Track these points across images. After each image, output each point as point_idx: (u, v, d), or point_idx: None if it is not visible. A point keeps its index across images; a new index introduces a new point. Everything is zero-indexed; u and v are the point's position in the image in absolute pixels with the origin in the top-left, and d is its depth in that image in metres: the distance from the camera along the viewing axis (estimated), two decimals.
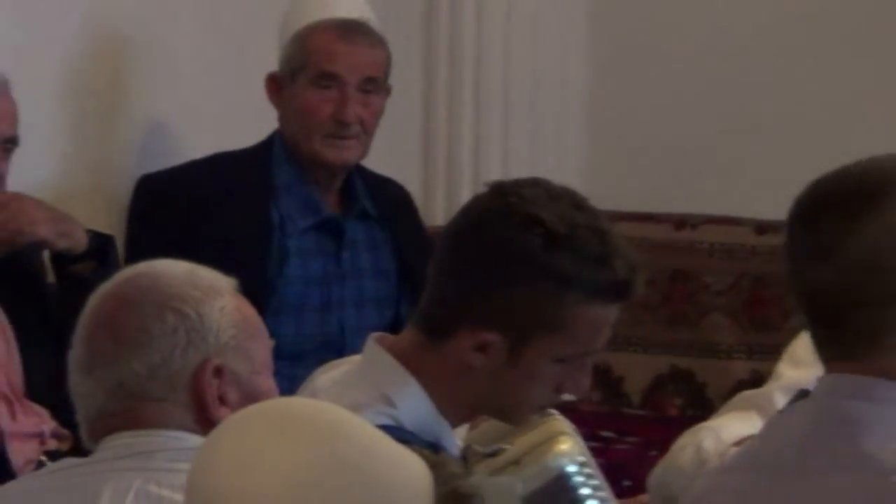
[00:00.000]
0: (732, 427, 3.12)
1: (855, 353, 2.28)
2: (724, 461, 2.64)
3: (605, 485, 2.83)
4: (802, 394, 2.57)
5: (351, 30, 3.98)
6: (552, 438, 2.81)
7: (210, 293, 2.37)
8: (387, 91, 4.03)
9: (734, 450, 2.91)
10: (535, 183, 2.74)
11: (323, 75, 3.92)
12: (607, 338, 2.74)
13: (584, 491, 2.81)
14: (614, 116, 5.29)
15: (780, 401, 3.01)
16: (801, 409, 2.41)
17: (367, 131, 3.97)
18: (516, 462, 2.79)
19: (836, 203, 2.32)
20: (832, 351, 2.31)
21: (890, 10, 5.22)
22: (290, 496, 1.81)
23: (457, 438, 2.77)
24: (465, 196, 4.35)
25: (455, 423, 2.74)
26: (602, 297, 2.64)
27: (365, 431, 1.88)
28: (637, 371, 4.92)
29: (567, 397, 3.04)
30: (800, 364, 3.13)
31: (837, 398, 2.30)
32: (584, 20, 5.34)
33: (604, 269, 2.62)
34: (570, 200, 2.71)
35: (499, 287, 2.64)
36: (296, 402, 2.08)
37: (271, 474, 1.81)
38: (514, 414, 2.75)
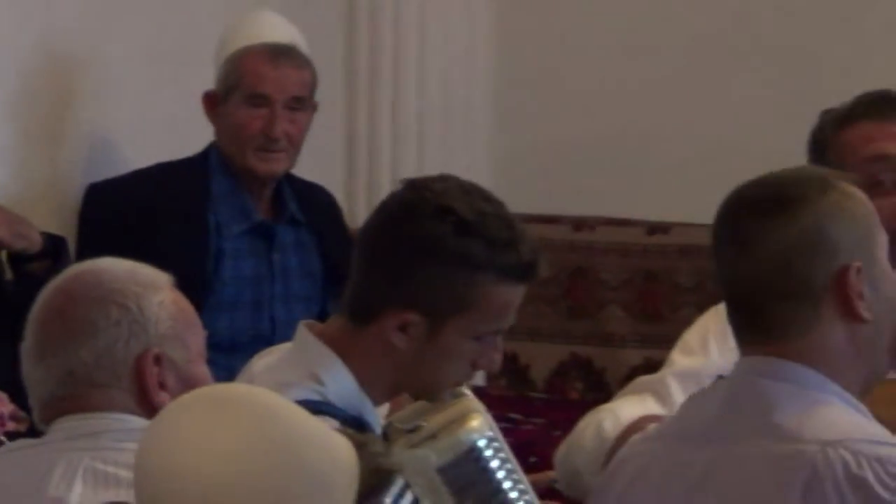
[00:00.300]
0: (629, 409, 3.08)
1: (770, 339, 2.37)
2: (647, 431, 2.67)
3: (513, 458, 2.88)
4: (721, 378, 2.61)
5: (280, 54, 4.01)
6: (465, 416, 2.83)
7: (149, 288, 2.39)
8: (313, 107, 4.06)
9: (635, 412, 3.00)
10: (445, 178, 2.78)
11: (254, 95, 3.95)
12: (514, 316, 2.75)
13: (494, 463, 2.81)
14: (519, 127, 5.32)
15: (673, 385, 3.05)
16: (720, 386, 2.52)
17: (295, 145, 4.01)
18: (432, 436, 2.78)
19: (756, 207, 2.43)
20: (750, 336, 2.41)
21: (773, 27, 5.18)
22: (226, 473, 1.82)
23: (379, 416, 2.79)
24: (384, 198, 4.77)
25: (378, 401, 2.76)
26: (510, 279, 2.67)
27: (296, 415, 1.91)
28: (541, 359, 4.95)
29: (477, 382, 3.09)
30: (690, 352, 3.14)
31: (753, 376, 2.39)
32: (490, 37, 5.35)
33: (511, 252, 2.65)
34: (478, 193, 2.76)
35: (417, 272, 2.66)
36: (232, 388, 2.09)
37: (208, 454, 1.82)
38: (433, 389, 2.74)
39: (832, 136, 3.16)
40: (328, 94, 4.69)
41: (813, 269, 2.39)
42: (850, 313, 2.38)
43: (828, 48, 5.23)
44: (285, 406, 1.93)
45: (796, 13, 5.34)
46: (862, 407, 2.44)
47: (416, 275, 2.68)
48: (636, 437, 2.70)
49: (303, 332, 2.78)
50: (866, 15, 5.22)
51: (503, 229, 2.69)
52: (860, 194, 2.54)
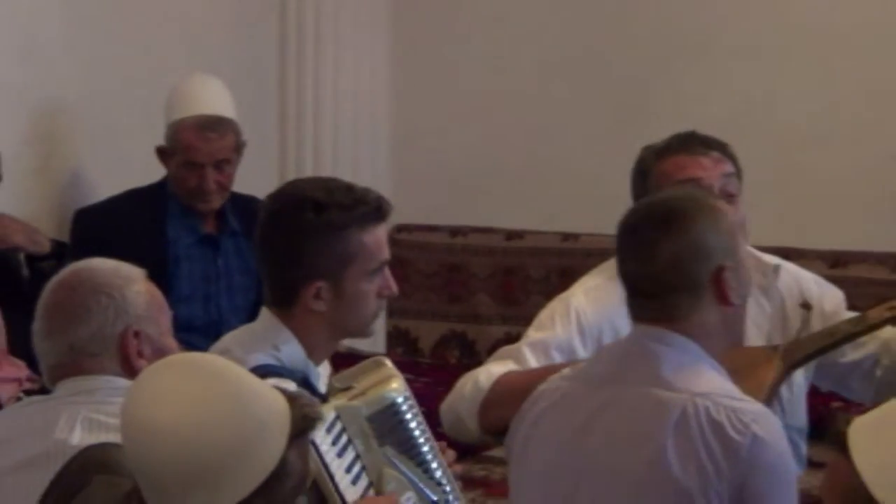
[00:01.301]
0: (496, 369, 3.25)
1: (661, 318, 2.55)
2: (562, 372, 2.79)
3: (420, 414, 2.99)
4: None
5: (207, 127, 4.03)
6: (387, 379, 2.98)
7: (129, 281, 2.54)
8: (240, 152, 4.10)
9: (504, 369, 3.23)
10: (292, 182, 3.11)
11: (187, 162, 4.02)
12: (388, 249, 2.83)
13: (409, 416, 2.93)
14: (412, 154, 5.37)
15: (527, 353, 3.26)
16: (619, 344, 2.72)
17: (226, 187, 4.11)
18: (362, 394, 2.90)
19: (651, 221, 2.62)
20: (645, 315, 2.58)
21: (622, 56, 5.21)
22: (191, 416, 1.97)
23: (322, 376, 2.89)
24: None
25: (320, 360, 2.86)
26: (369, 223, 2.77)
27: (242, 375, 2.07)
28: (427, 334, 5.19)
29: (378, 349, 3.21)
30: (541, 328, 3.27)
31: (645, 339, 2.56)
32: (388, 72, 5.40)
33: (359, 206, 2.77)
34: (320, 180, 2.98)
35: (304, 252, 2.75)
36: (195, 356, 2.21)
37: (177, 404, 1.98)
38: (361, 329, 2.91)
39: (653, 165, 3.26)
40: (263, 119, 5.00)
41: (698, 269, 2.55)
42: (724, 301, 2.56)
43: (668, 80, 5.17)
44: (235, 368, 2.06)
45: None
46: (724, 371, 2.60)
47: (304, 254, 2.77)
48: (554, 376, 2.82)
49: (266, 314, 2.86)
50: (703, 51, 5.11)
51: (347, 194, 2.80)
52: (726, 208, 2.74)
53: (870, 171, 5.01)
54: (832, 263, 4.52)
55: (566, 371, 2.85)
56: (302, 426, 2.05)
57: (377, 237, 2.86)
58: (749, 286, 2.72)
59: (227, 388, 2.05)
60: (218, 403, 2.03)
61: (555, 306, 3.29)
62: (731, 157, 3.36)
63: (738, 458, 2.47)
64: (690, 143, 3.38)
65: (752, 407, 2.53)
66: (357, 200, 2.85)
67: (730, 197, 3.19)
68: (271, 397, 2.06)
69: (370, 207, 2.87)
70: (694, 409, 2.49)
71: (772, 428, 2.52)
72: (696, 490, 2.48)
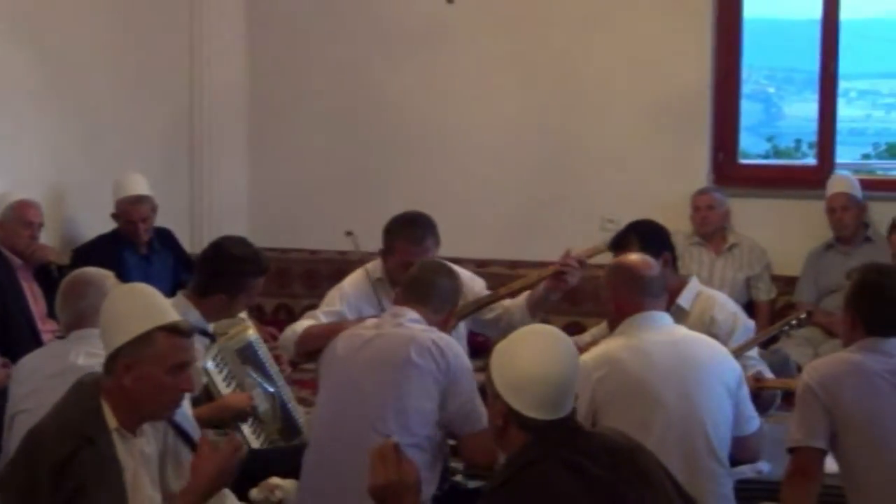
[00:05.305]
0: (305, 323, 3.94)
1: (420, 304, 3.23)
2: (359, 324, 3.33)
3: (265, 346, 3.77)
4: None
5: (137, 201, 5.09)
6: (246, 328, 3.73)
7: (108, 278, 3.23)
8: (154, 207, 5.05)
9: (308, 323, 3.85)
10: (226, 237, 3.71)
11: (128, 221, 5.03)
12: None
13: (261, 352, 3.73)
14: (264, 196, 6.21)
15: (321, 316, 3.95)
16: (387, 312, 3.29)
17: (150, 227, 5.04)
18: (232, 337, 3.65)
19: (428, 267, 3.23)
20: (410, 302, 3.23)
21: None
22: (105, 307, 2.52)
23: (210, 328, 3.52)
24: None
25: (213, 321, 3.52)
26: (259, 274, 3.58)
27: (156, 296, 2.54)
28: (269, 305, 6.14)
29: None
30: (329, 303, 4.00)
31: (399, 311, 3.22)
32: (246, 114, 6.09)
33: (255, 263, 3.58)
34: (237, 239, 3.69)
35: (218, 276, 3.47)
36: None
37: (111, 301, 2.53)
38: (234, 311, 3.57)
39: (395, 238, 3.86)
40: (176, 174, 5.82)
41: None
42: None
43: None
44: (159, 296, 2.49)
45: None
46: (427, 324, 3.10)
47: (217, 278, 3.48)
48: (349, 328, 3.33)
49: (180, 297, 3.52)
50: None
51: (254, 254, 3.56)
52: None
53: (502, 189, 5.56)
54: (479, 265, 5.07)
55: (367, 322, 3.31)
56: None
57: (260, 281, 3.54)
58: None
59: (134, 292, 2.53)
60: (122, 300, 2.50)
61: (334, 291, 3.97)
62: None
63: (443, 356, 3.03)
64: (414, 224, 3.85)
65: (438, 335, 3.11)
66: (256, 259, 3.50)
67: None
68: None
69: (262, 266, 3.52)
70: (422, 338, 3.12)
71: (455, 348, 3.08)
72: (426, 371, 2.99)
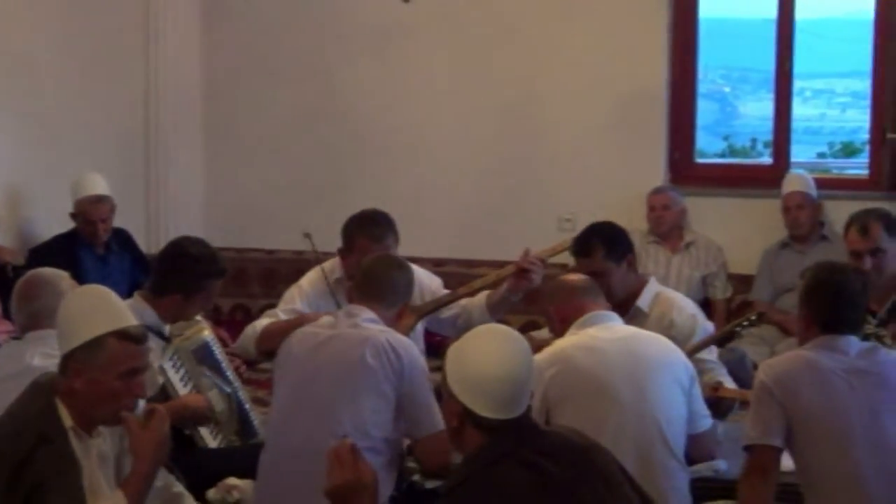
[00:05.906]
0: (264, 321, 4.02)
1: (373, 301, 3.19)
2: (315, 322, 3.28)
3: (221, 346, 3.71)
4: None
5: (96, 200, 5.05)
6: (201, 329, 3.68)
7: (63, 279, 3.23)
8: (113, 206, 5.02)
9: (268, 321, 3.91)
10: (186, 237, 3.65)
11: (87, 221, 4.99)
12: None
13: (216, 351, 3.70)
14: (220, 196, 6.19)
15: (281, 314, 4.03)
16: (342, 311, 3.27)
17: (109, 226, 5.05)
18: (188, 338, 3.61)
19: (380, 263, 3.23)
20: (364, 299, 3.21)
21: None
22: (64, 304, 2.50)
23: (167, 330, 3.48)
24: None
25: (170, 322, 3.45)
26: (217, 276, 3.55)
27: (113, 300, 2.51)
28: (225, 305, 6.09)
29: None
30: (288, 301, 4.07)
31: (354, 310, 3.21)
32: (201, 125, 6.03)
33: (213, 264, 3.53)
34: (199, 241, 3.57)
35: (175, 275, 3.46)
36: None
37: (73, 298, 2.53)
38: (190, 314, 3.54)
39: (355, 236, 3.84)
40: (132, 180, 5.73)
41: None
42: None
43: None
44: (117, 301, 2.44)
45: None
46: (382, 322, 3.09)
47: (173, 279, 3.45)
48: (308, 324, 3.32)
49: (137, 297, 3.50)
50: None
51: (211, 256, 3.52)
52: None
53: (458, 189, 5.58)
54: (435, 264, 5.04)
55: (307, 325, 3.29)
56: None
57: (219, 284, 3.49)
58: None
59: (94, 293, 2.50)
60: (88, 298, 2.48)
61: (293, 289, 4.04)
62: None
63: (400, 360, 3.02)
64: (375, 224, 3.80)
65: (394, 336, 3.09)
66: (215, 261, 3.45)
67: None
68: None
69: (222, 269, 3.48)
70: (377, 339, 3.09)
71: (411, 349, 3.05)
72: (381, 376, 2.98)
